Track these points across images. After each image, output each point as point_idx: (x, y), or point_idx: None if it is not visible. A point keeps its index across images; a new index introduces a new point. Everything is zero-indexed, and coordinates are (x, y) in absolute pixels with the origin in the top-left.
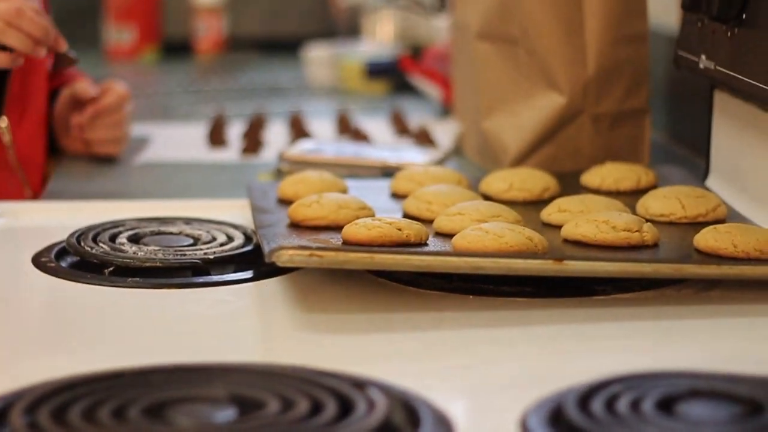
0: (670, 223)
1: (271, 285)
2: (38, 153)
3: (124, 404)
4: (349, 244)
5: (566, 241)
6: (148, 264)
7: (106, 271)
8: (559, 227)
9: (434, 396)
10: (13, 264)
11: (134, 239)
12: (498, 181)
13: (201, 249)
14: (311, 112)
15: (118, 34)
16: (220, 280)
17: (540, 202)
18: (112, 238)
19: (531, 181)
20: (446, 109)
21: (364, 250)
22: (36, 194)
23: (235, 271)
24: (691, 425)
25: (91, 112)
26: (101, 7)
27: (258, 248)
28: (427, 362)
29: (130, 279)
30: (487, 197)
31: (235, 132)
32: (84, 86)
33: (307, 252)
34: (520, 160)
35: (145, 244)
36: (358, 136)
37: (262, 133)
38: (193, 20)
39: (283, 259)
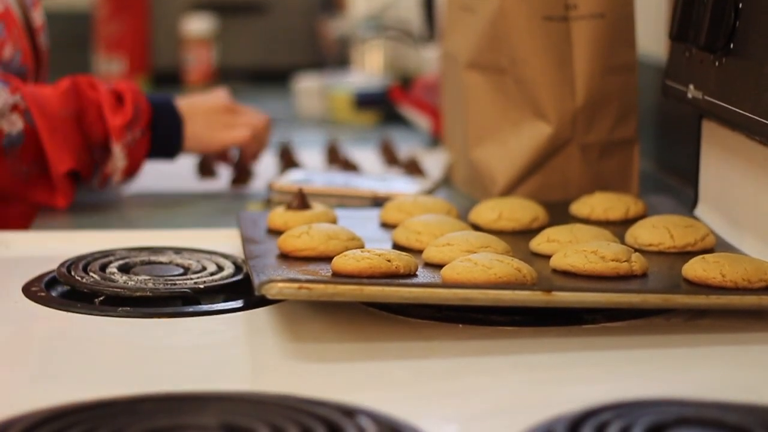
0: (659, 253)
1: (261, 314)
2: None
3: None
4: (338, 276)
5: (555, 271)
6: (138, 293)
7: (96, 300)
8: (548, 257)
9: (424, 424)
10: (3, 293)
11: (124, 269)
12: (487, 211)
13: (191, 278)
14: (301, 142)
15: (108, 65)
16: (211, 309)
17: (529, 232)
18: (103, 268)
19: (520, 211)
20: (435, 139)
21: (354, 282)
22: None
23: (225, 301)
24: None
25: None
26: (91, 37)
27: (248, 277)
28: (417, 390)
29: (120, 308)
30: (476, 227)
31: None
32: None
33: (297, 285)
34: (509, 190)
35: (136, 274)
36: (348, 166)
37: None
38: (182, 51)
39: (272, 291)
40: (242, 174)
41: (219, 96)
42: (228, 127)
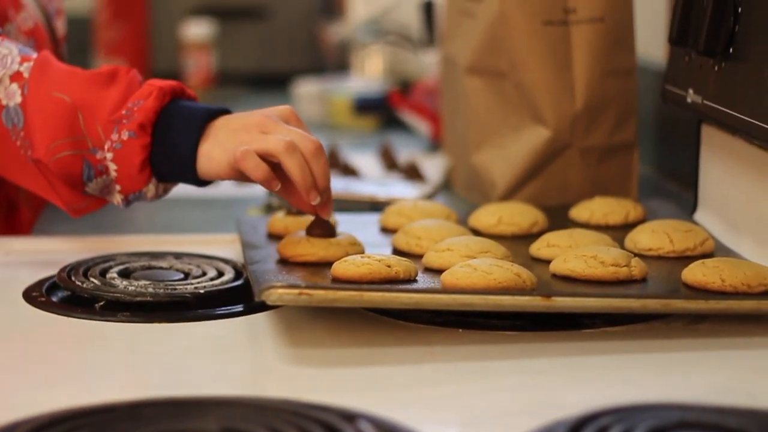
0: (659, 258)
1: (261, 319)
2: None
3: None
4: (338, 281)
5: (555, 276)
6: (138, 299)
7: (97, 305)
8: (548, 262)
9: (424, 428)
10: (4, 299)
11: (125, 274)
12: (487, 216)
13: (191, 283)
14: None
15: None
16: (211, 314)
17: (529, 237)
18: (103, 273)
19: (520, 215)
20: (435, 144)
21: (354, 287)
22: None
23: (225, 306)
24: None
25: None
26: (91, 42)
27: (248, 283)
28: (417, 394)
29: (120, 314)
30: (476, 232)
31: None
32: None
33: (297, 291)
34: (509, 195)
35: (136, 279)
36: (348, 170)
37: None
38: (182, 56)
39: (272, 297)
40: (316, 221)
41: (270, 110)
42: (252, 141)
